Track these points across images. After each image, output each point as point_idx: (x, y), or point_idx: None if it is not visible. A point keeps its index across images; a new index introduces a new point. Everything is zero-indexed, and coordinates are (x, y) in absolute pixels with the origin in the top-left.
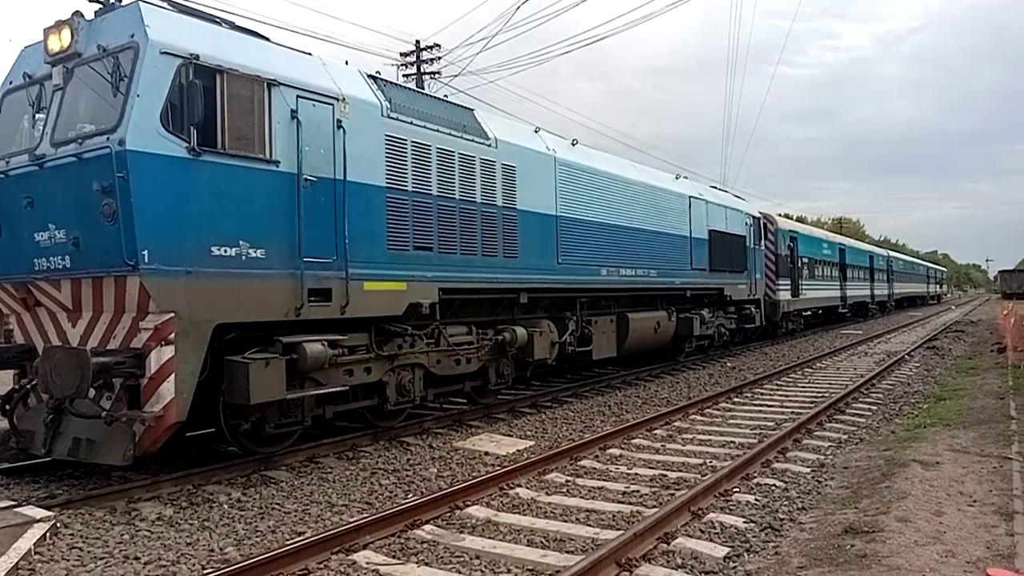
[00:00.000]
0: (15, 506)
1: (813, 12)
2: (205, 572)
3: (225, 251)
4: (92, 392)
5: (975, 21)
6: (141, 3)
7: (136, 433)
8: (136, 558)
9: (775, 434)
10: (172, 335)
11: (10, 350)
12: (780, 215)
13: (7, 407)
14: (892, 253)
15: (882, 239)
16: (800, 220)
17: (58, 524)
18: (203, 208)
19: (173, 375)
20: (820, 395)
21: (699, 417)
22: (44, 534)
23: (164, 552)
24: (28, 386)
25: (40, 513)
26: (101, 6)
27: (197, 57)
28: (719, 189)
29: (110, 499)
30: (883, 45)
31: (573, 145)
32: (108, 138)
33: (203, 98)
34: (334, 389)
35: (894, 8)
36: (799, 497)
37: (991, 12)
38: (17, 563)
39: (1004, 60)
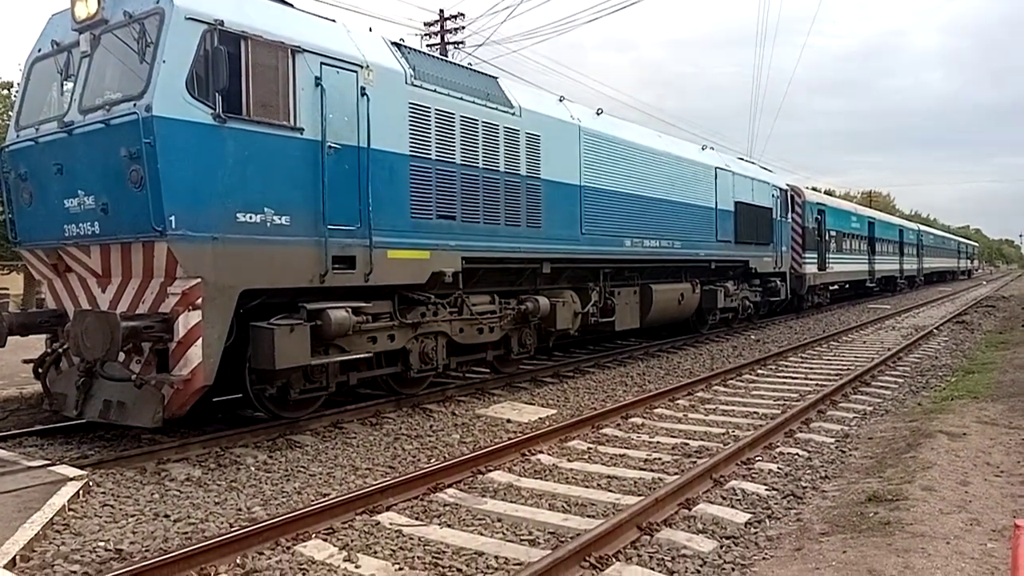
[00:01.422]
0: (49, 465)
1: None
2: (233, 529)
3: (250, 218)
4: (122, 356)
5: None
6: None
7: (165, 396)
8: (166, 516)
9: (799, 405)
10: (199, 300)
11: (42, 315)
12: (808, 188)
13: (40, 370)
14: (922, 227)
15: (913, 213)
16: (828, 194)
17: (91, 483)
18: (228, 175)
19: (200, 339)
20: (845, 368)
21: (722, 388)
22: (78, 491)
23: (193, 511)
24: (60, 350)
25: (73, 472)
26: None
27: (222, 23)
28: (746, 161)
29: (140, 460)
30: (918, 14)
31: (598, 115)
32: (135, 104)
33: (228, 64)
34: (358, 356)
35: None
36: (822, 466)
37: None
38: (52, 518)
39: None
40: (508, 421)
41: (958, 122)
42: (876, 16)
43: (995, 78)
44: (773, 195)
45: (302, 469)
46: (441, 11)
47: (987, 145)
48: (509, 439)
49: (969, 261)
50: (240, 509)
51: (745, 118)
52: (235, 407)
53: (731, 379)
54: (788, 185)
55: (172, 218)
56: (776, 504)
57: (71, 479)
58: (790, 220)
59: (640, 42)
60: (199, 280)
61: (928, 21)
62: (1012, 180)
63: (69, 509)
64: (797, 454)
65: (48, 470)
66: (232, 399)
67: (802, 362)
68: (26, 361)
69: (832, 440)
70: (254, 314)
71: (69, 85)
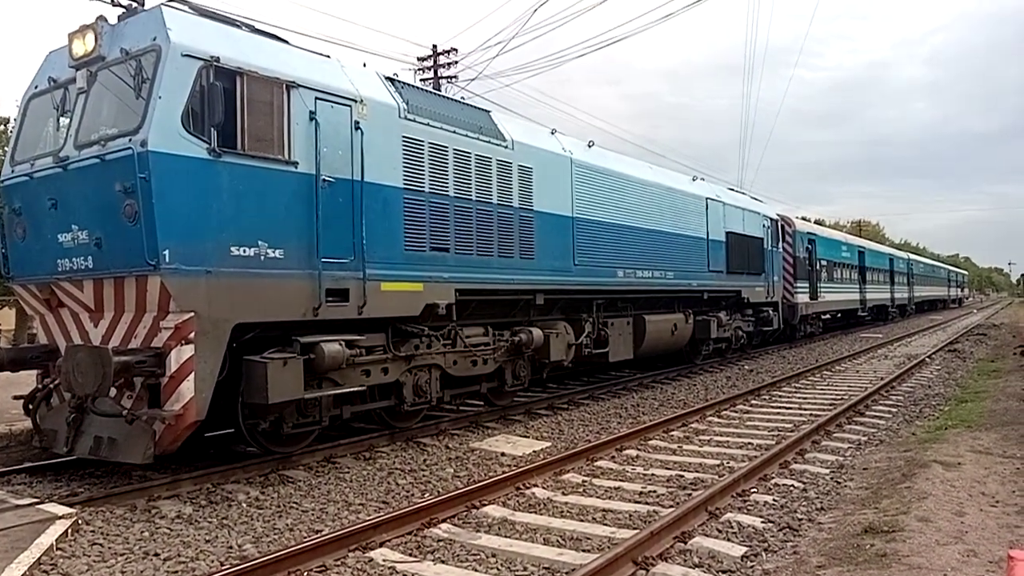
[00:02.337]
0: (37, 503)
1: (831, 15)
2: (224, 568)
3: (244, 251)
4: (113, 391)
5: (997, 20)
6: (163, 7)
7: (156, 432)
8: (156, 554)
9: (793, 435)
10: (192, 334)
11: (33, 350)
12: (798, 218)
13: (30, 407)
14: (912, 256)
15: (902, 242)
16: (819, 223)
17: (79, 521)
18: (223, 208)
19: (193, 374)
20: (839, 398)
21: (716, 419)
22: (66, 530)
23: (183, 549)
24: (51, 386)
25: (62, 510)
26: (125, 11)
27: (218, 59)
28: (736, 191)
29: (131, 497)
30: (902, 46)
31: (589, 147)
32: (130, 139)
33: (223, 99)
34: (351, 389)
35: (913, 9)
36: (818, 497)
37: (1012, 9)
38: (39, 558)
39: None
40: (502, 454)
41: (944, 151)
42: (860, 49)
43: (978, 107)
44: (764, 225)
45: (294, 505)
46: (434, 46)
47: (973, 173)
48: (503, 473)
49: (959, 289)
50: (231, 547)
51: (735, 149)
52: (227, 442)
53: (725, 410)
54: (778, 215)
55: (166, 252)
56: (772, 537)
57: (60, 517)
58: (781, 250)
59: (630, 74)
60: (192, 314)
61: (912, 52)
62: (999, 208)
63: (57, 548)
64: (792, 485)
65: (36, 508)
66: (224, 434)
67: (796, 392)
68: (16, 397)
69: (827, 471)
70: (247, 348)
71: (65, 121)
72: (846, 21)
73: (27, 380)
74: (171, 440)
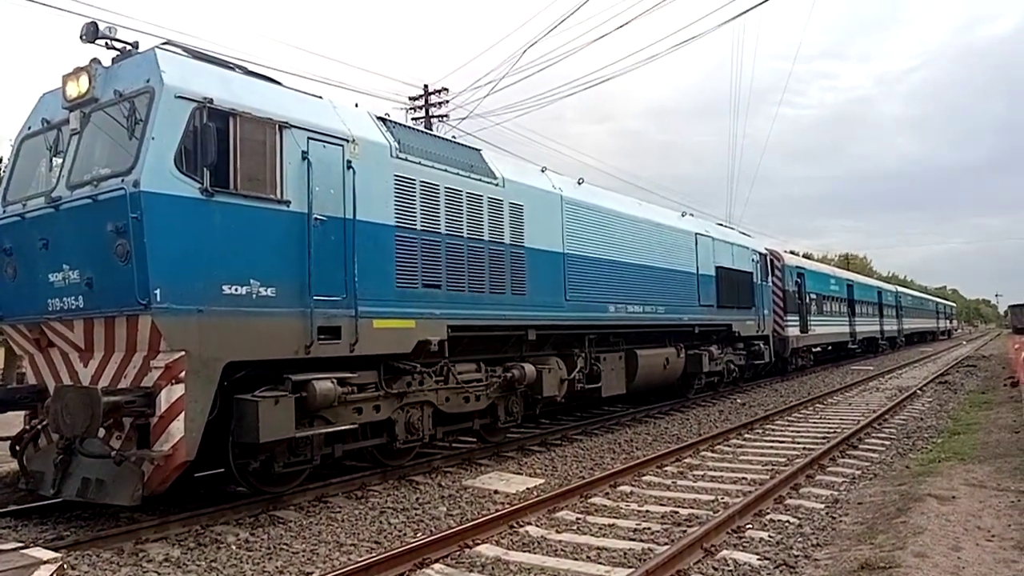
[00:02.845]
0: (23, 547)
1: (812, 54)
2: None
3: (236, 289)
4: (102, 431)
5: (973, 57)
6: (158, 49)
7: (145, 473)
8: None
9: (787, 470)
10: (182, 373)
11: (22, 391)
12: (787, 251)
13: (17, 448)
14: (900, 288)
15: (890, 275)
16: (807, 256)
17: (65, 566)
18: (215, 247)
19: (183, 414)
20: (832, 431)
21: (710, 453)
22: (51, 575)
23: None
24: (39, 427)
25: (47, 555)
26: (119, 53)
27: (211, 100)
28: (725, 226)
29: (118, 540)
30: (883, 84)
31: (579, 184)
32: (123, 180)
33: (216, 140)
34: (343, 427)
35: (892, 48)
36: (813, 533)
37: (987, 49)
38: None
39: (1004, 94)
40: (496, 492)
41: (927, 185)
42: (841, 87)
43: (958, 143)
44: (753, 259)
45: (285, 546)
46: (426, 86)
47: (956, 207)
48: (497, 511)
49: (948, 321)
50: None
51: (723, 183)
52: (217, 482)
53: (719, 444)
54: (767, 249)
55: (157, 291)
56: (768, 574)
57: (45, 562)
58: (771, 284)
59: (618, 112)
60: (183, 353)
61: (892, 90)
62: (983, 240)
63: None
64: (788, 521)
65: (21, 553)
66: (214, 474)
67: (789, 425)
68: (3, 439)
69: (822, 506)
70: (238, 386)
71: (58, 161)
72: (826, 60)
73: (15, 421)
74: (160, 481)
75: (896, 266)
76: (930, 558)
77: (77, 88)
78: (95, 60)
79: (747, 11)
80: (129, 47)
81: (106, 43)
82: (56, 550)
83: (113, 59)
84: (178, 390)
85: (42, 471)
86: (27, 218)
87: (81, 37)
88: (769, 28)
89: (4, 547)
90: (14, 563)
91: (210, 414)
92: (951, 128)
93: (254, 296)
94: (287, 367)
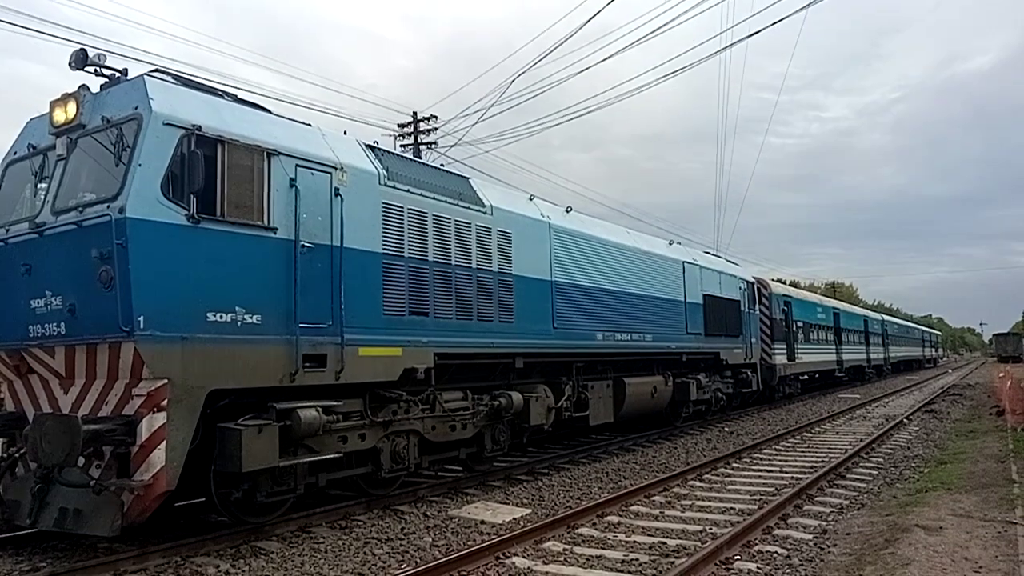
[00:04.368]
0: None
1: (798, 85)
2: None
3: (220, 317)
4: (82, 460)
5: (952, 92)
6: (147, 77)
7: (125, 503)
8: None
9: (775, 500)
10: (165, 402)
11: (0, 418)
12: (773, 280)
13: None
14: (886, 317)
15: (876, 303)
16: (793, 285)
17: None
18: (200, 274)
19: (164, 442)
20: (820, 460)
21: (698, 483)
22: None
23: None
24: (16, 455)
25: None
26: (107, 80)
27: (199, 128)
28: (712, 254)
29: (96, 572)
30: (866, 115)
31: (567, 212)
32: (108, 206)
33: (204, 167)
34: (328, 456)
35: (875, 80)
36: (801, 564)
37: (967, 84)
38: None
39: (982, 128)
40: (482, 522)
41: (912, 215)
42: (826, 118)
43: (941, 175)
44: (740, 288)
45: None
46: (414, 113)
47: (941, 237)
48: (483, 542)
49: (934, 349)
50: None
51: (709, 211)
52: (198, 512)
53: (706, 473)
54: (754, 277)
55: (141, 319)
56: None
57: None
58: (758, 312)
59: (606, 140)
60: (166, 381)
61: (876, 121)
62: (968, 270)
63: None
64: (776, 552)
65: None
66: (195, 503)
67: (776, 454)
68: None
69: (810, 536)
70: (221, 414)
71: (43, 187)
72: (810, 91)
73: None
74: (139, 511)
75: (882, 294)
76: None
77: (65, 114)
78: (83, 86)
79: (733, 44)
80: (118, 74)
81: (95, 70)
82: None
83: (102, 86)
84: (160, 418)
85: (19, 500)
86: (10, 243)
87: (70, 64)
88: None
89: None
90: None
91: (192, 443)
92: (935, 160)
93: (239, 323)
94: (271, 395)
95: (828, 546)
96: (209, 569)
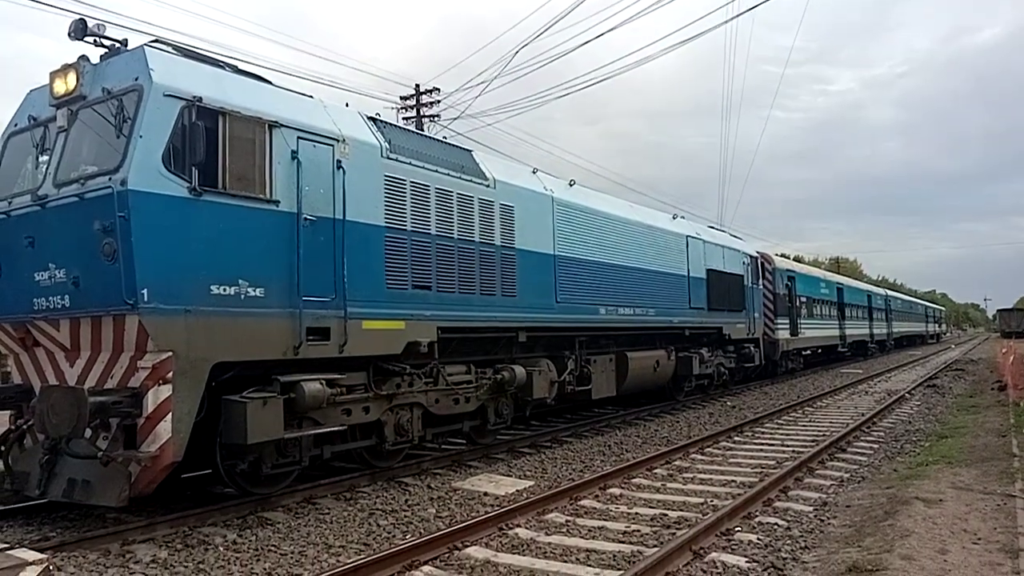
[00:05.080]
0: (7, 549)
1: (803, 58)
2: None
3: (224, 290)
4: (88, 432)
5: (959, 66)
6: (146, 47)
7: (132, 474)
8: None
9: (776, 473)
10: (170, 374)
11: (7, 390)
12: (777, 255)
13: (2, 448)
14: (890, 292)
15: (880, 279)
16: (797, 260)
17: (51, 567)
18: (203, 247)
19: (170, 414)
20: (821, 434)
21: (699, 456)
22: None
23: None
24: (24, 427)
25: (33, 556)
26: (107, 51)
27: (200, 99)
28: (716, 229)
29: (104, 541)
30: (872, 89)
31: (571, 186)
32: (110, 178)
33: (205, 139)
34: (332, 428)
35: (881, 54)
36: (802, 536)
37: (974, 58)
38: None
39: (988, 103)
40: (485, 494)
41: (917, 190)
42: (832, 91)
43: (946, 150)
44: (744, 262)
45: (273, 548)
46: (417, 86)
47: (945, 212)
48: (486, 513)
49: (937, 325)
50: None
51: (713, 185)
52: (205, 483)
53: (708, 447)
54: (758, 252)
55: (144, 291)
56: None
57: (30, 563)
58: (761, 287)
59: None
60: (170, 354)
61: (881, 95)
62: (972, 246)
63: None
64: (776, 524)
65: (6, 554)
66: (202, 475)
67: (778, 428)
68: None
69: (811, 508)
70: (226, 387)
71: (44, 159)
72: (816, 65)
73: (0, 420)
74: (147, 482)
75: (886, 270)
76: (917, 561)
77: (65, 85)
78: (83, 57)
79: (739, 15)
80: (118, 44)
81: (95, 40)
82: (42, 551)
83: (101, 56)
84: (165, 391)
85: (27, 471)
86: (13, 216)
87: (69, 34)
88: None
89: None
90: (0, 564)
91: (198, 415)
92: (940, 134)
93: (242, 296)
94: (276, 368)
95: (828, 518)
96: (216, 539)
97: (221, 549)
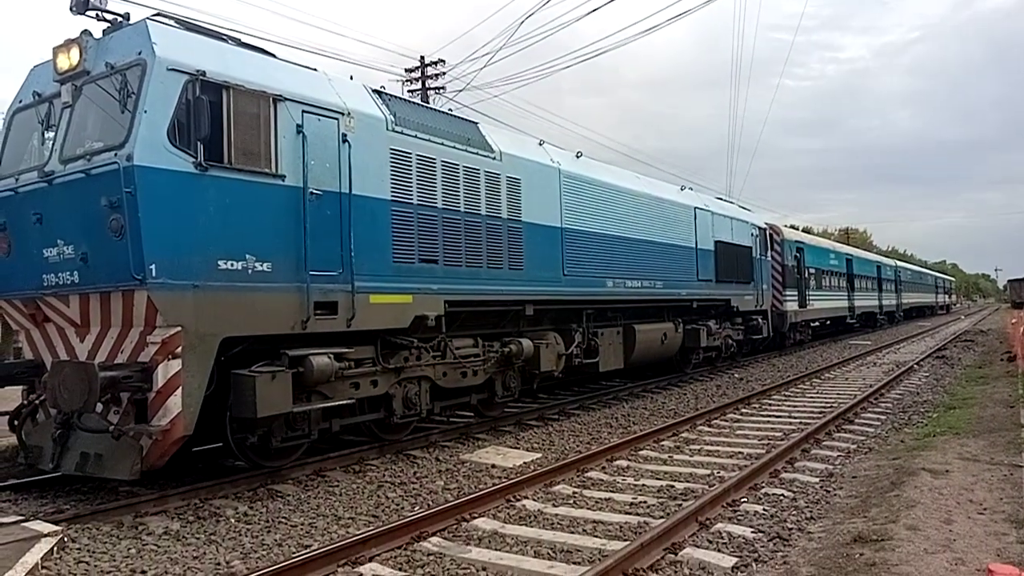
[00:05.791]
0: (23, 521)
1: (813, 25)
2: None
3: (232, 264)
4: (100, 406)
5: (973, 32)
6: (149, 21)
7: (143, 447)
8: (143, 572)
9: (783, 444)
10: (179, 349)
11: (19, 366)
12: (786, 226)
13: (15, 423)
14: (900, 263)
15: (890, 249)
16: (806, 231)
17: (65, 539)
18: (210, 222)
19: (180, 389)
20: (828, 405)
21: (706, 428)
22: (51, 548)
23: (171, 566)
24: (36, 401)
25: (47, 528)
26: (110, 25)
27: (204, 73)
28: (724, 200)
29: (117, 513)
30: (884, 56)
31: (577, 157)
32: (116, 154)
33: (210, 113)
34: (340, 402)
35: (893, 20)
36: (807, 507)
37: (989, 23)
38: None
39: (1002, 71)
40: (493, 466)
41: (927, 159)
42: (842, 59)
43: (957, 118)
44: (752, 234)
45: (283, 520)
46: (422, 58)
47: (956, 181)
48: (494, 485)
49: (947, 296)
50: (219, 563)
51: (723, 157)
52: (215, 457)
53: (715, 419)
54: (766, 223)
55: (152, 266)
56: (762, 547)
57: (45, 535)
58: (770, 258)
59: (616, 84)
60: (179, 328)
61: (893, 63)
62: (983, 215)
63: (42, 567)
64: (782, 495)
65: (22, 526)
66: (212, 448)
67: (786, 400)
68: (1, 413)
69: (817, 479)
70: (235, 361)
71: (50, 135)
72: (826, 32)
73: (12, 395)
74: (158, 456)
75: (896, 240)
76: (922, 531)
77: (68, 60)
78: (86, 32)
79: None
80: (120, 18)
81: (96, 14)
82: (56, 523)
83: (104, 31)
84: (175, 365)
85: (41, 445)
86: (20, 192)
87: (71, 8)
88: None
89: (5, 520)
90: (15, 536)
91: (207, 389)
92: (952, 103)
93: (250, 271)
94: (284, 342)
95: (834, 489)
96: (228, 511)
97: (232, 521)
